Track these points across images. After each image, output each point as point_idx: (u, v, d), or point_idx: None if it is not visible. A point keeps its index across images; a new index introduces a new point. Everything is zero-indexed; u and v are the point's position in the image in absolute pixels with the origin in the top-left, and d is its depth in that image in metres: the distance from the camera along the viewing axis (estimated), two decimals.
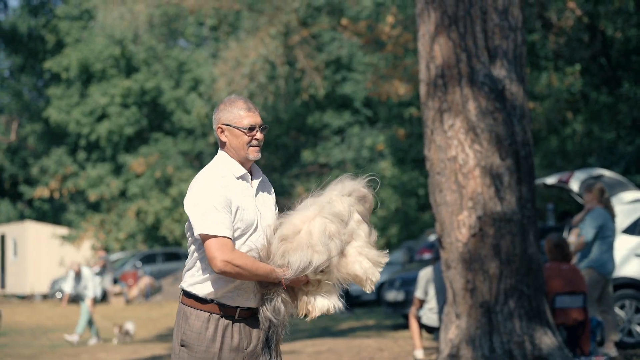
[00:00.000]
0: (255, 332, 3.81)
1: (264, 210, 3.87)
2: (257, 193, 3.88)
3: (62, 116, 33.77)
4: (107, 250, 32.26)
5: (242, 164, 3.86)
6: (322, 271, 3.77)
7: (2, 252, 32.62)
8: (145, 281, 25.32)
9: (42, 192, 34.52)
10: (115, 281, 26.06)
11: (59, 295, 26.80)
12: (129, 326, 14.49)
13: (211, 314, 3.76)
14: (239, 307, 3.78)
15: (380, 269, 3.94)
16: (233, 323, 3.77)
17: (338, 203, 3.90)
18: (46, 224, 34.34)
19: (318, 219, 3.77)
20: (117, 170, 33.85)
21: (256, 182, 3.91)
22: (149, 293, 25.30)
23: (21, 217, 38.53)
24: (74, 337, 14.23)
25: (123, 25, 22.51)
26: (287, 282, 3.72)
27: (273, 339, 3.79)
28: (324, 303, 3.87)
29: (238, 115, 3.84)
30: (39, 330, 17.17)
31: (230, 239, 3.66)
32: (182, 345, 3.78)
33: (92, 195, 33.01)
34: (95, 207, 34.73)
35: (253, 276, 3.68)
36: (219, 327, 3.75)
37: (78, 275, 15.20)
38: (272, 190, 4.03)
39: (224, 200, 3.69)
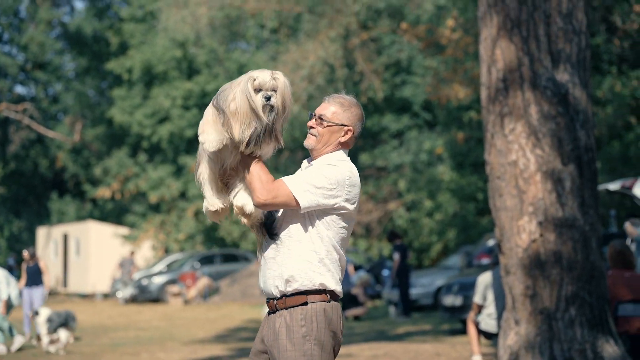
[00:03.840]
0: None
1: None
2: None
3: (125, 117, 34.29)
4: (167, 250, 32.66)
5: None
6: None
7: (65, 251, 33.24)
8: (203, 282, 25.56)
9: (104, 192, 35.09)
10: (174, 281, 26.37)
11: (119, 294, 27.22)
12: (62, 334, 13.14)
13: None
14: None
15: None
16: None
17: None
18: (109, 224, 34.89)
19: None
20: (178, 171, 34.24)
21: (305, 165, 4.08)
22: (207, 294, 25.53)
23: (85, 216, 39.22)
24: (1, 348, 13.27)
25: (185, 27, 22.76)
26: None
27: None
28: (240, 198, 3.95)
29: None
30: (100, 329, 17.44)
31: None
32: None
33: (153, 197, 33.46)
34: (155, 208, 35.18)
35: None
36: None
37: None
38: (310, 167, 4.02)
39: None
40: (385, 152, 29.85)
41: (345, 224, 3.91)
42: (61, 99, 42.66)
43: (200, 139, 3.83)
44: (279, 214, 3.97)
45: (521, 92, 7.89)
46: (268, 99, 3.76)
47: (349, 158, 4.03)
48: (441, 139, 28.00)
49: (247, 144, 3.75)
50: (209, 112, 3.82)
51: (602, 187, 12.41)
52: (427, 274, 19.80)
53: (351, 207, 3.89)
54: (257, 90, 3.75)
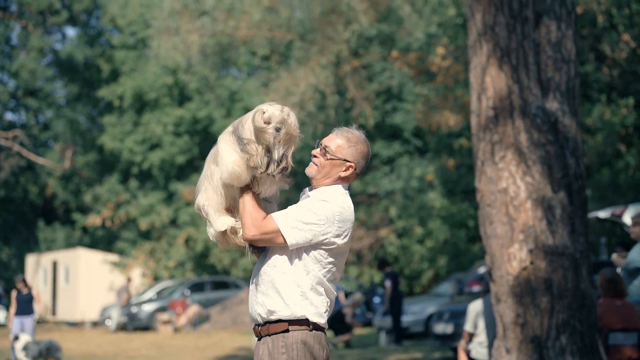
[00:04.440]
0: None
1: None
2: None
3: (116, 144, 34.27)
4: (157, 278, 32.51)
5: None
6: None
7: (54, 279, 33.05)
8: (193, 310, 25.43)
9: (94, 220, 34.97)
10: (164, 309, 26.22)
11: (108, 322, 27.03)
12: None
13: None
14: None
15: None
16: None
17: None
18: (99, 251, 34.74)
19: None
20: (169, 198, 34.18)
21: (305, 194, 4.12)
22: (197, 322, 25.39)
23: (74, 244, 39.06)
24: None
25: (176, 54, 22.82)
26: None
27: None
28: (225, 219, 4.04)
29: None
30: (89, 358, 17.30)
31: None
32: None
33: (143, 224, 33.36)
34: (146, 235, 35.07)
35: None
36: None
37: None
38: (305, 198, 4.08)
39: None
40: (377, 178, 29.88)
41: (333, 259, 3.92)
42: (52, 126, 42.64)
43: (221, 168, 3.90)
44: None
45: (511, 120, 7.92)
46: (278, 130, 3.84)
47: (346, 192, 4.05)
48: (432, 165, 28.05)
49: (267, 167, 3.86)
50: (224, 146, 3.90)
51: (592, 214, 12.43)
52: (418, 302, 19.75)
53: (341, 242, 3.90)
54: (267, 123, 3.85)
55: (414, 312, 18.94)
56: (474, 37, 8.22)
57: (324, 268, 3.90)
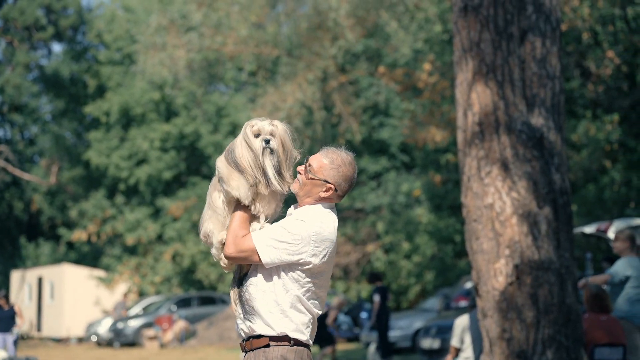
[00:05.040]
0: None
1: None
2: None
3: (102, 159, 34.19)
4: (142, 294, 32.39)
5: None
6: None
7: (39, 295, 32.85)
8: (180, 325, 25.33)
9: (80, 235, 34.82)
10: (150, 325, 26.11)
11: (94, 338, 26.88)
12: None
13: None
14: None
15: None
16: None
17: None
18: (84, 267, 34.57)
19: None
20: (155, 214, 34.09)
21: (289, 211, 4.13)
22: (184, 337, 25.29)
23: (60, 259, 38.85)
24: None
25: (163, 70, 22.84)
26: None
27: None
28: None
29: None
30: None
31: None
32: None
33: (130, 239, 33.25)
34: (132, 250, 34.95)
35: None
36: None
37: None
38: (288, 216, 4.11)
39: None
40: (364, 193, 29.92)
41: (311, 279, 3.93)
42: (37, 142, 42.50)
43: (232, 193, 3.92)
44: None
45: (497, 135, 7.97)
46: (267, 142, 3.88)
47: (330, 211, 4.04)
48: (419, 181, 28.12)
49: (267, 185, 3.89)
50: (221, 166, 3.96)
51: (577, 230, 12.49)
52: (405, 317, 19.75)
53: (318, 262, 3.91)
54: (256, 135, 3.88)
55: (401, 327, 18.94)
56: (459, 53, 8.28)
57: (303, 287, 3.91)
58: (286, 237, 3.86)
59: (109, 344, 26.25)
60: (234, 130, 33.49)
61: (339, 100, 23.49)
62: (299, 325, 3.90)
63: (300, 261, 3.87)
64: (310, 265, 3.89)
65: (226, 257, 3.93)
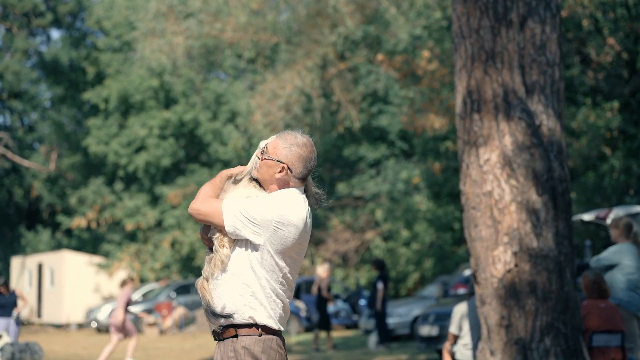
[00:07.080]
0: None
1: None
2: None
3: (101, 147, 34.17)
4: (142, 280, 32.43)
5: None
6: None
7: (40, 281, 32.91)
8: (179, 312, 25.37)
9: (79, 222, 34.83)
10: (150, 311, 26.15)
11: (94, 324, 26.92)
12: None
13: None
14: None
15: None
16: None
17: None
18: (84, 253, 34.61)
19: None
20: (154, 201, 34.09)
21: None
22: (183, 324, 25.33)
23: (60, 246, 38.88)
24: None
25: (162, 57, 22.76)
26: None
27: None
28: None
29: None
30: None
31: None
32: None
33: (129, 225, 33.26)
34: (131, 237, 34.97)
35: None
36: None
37: None
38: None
39: None
40: (363, 181, 29.90)
41: (278, 262, 3.92)
42: (37, 128, 42.45)
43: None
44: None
45: (496, 123, 7.95)
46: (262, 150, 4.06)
47: (298, 196, 4.01)
48: (418, 168, 28.10)
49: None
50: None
51: (576, 217, 12.48)
52: (403, 304, 19.79)
53: (279, 246, 3.91)
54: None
55: (400, 314, 18.97)
56: (458, 39, 8.25)
57: (272, 271, 3.91)
58: (251, 213, 3.87)
59: (108, 330, 26.27)
60: (232, 118, 33.46)
61: (338, 87, 23.44)
62: (268, 309, 3.90)
63: (262, 243, 3.87)
64: (274, 249, 3.89)
65: (190, 210, 3.98)
